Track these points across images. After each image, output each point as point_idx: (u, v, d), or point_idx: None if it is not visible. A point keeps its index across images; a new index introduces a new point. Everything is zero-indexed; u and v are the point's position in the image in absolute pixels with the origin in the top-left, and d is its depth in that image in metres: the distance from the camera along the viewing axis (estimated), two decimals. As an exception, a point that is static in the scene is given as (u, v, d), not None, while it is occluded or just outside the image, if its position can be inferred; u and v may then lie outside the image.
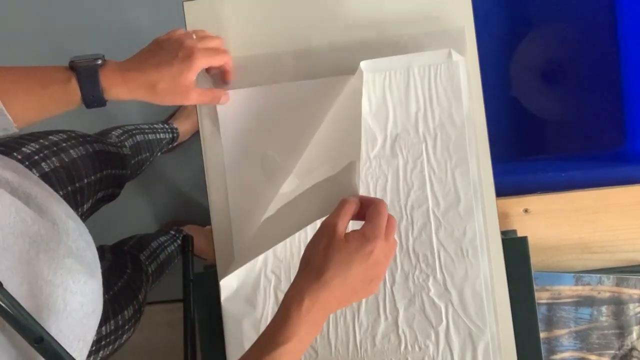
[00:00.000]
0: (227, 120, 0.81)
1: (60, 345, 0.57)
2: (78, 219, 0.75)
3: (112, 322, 0.86)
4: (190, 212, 1.64)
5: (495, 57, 1.33)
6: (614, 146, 1.19)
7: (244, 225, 0.81)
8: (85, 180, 0.91)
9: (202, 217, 1.61)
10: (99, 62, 0.71)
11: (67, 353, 0.58)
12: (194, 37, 0.75)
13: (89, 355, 0.74)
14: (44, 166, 0.82)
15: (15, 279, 0.58)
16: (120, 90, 0.72)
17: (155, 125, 1.44)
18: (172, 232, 1.47)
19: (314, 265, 0.62)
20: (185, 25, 0.82)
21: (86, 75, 0.70)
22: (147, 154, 1.31)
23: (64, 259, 0.65)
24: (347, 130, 0.74)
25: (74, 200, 0.87)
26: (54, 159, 0.85)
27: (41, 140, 0.87)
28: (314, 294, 0.60)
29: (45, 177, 0.81)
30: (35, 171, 0.80)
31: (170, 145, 1.54)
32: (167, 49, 0.73)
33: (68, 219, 0.71)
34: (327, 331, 0.80)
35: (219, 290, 0.81)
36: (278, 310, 0.62)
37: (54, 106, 0.71)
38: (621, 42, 1.21)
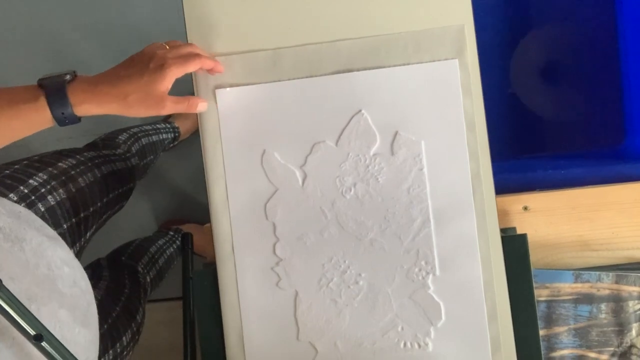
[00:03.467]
0: (228, 119, 0.81)
1: (61, 343, 0.57)
2: (75, 262, 0.74)
3: (110, 351, 0.85)
4: (190, 210, 1.64)
5: (495, 55, 1.33)
6: (614, 144, 1.19)
7: (244, 226, 0.81)
8: (91, 209, 0.91)
9: (202, 216, 1.61)
10: (67, 77, 0.69)
11: (67, 350, 0.58)
12: (167, 47, 0.74)
13: None
14: (50, 199, 0.82)
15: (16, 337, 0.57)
16: (90, 105, 0.69)
17: (157, 126, 1.45)
18: (171, 233, 1.47)
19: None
20: (185, 23, 0.82)
21: (54, 92, 0.67)
22: (152, 156, 1.32)
23: (59, 309, 0.65)
24: None
25: (77, 231, 0.87)
26: (60, 190, 0.85)
27: (49, 169, 0.86)
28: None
29: (50, 210, 0.81)
30: (41, 205, 0.80)
31: (172, 144, 1.55)
32: (139, 61, 0.71)
33: (63, 265, 0.70)
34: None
35: (218, 288, 0.81)
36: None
37: (25, 127, 0.69)
38: (621, 41, 1.21)
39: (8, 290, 0.54)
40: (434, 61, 0.79)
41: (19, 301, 0.55)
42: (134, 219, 1.63)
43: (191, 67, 0.73)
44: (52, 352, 0.56)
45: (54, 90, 0.68)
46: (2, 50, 1.66)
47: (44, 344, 0.56)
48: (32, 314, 0.56)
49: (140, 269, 1.14)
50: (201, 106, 0.77)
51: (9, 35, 1.66)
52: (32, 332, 0.55)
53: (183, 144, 1.61)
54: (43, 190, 0.82)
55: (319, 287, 0.80)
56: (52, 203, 0.82)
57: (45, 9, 1.65)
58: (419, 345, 0.80)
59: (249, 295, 0.81)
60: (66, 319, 0.65)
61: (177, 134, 1.52)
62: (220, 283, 0.81)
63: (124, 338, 0.89)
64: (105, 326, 0.87)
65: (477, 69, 0.80)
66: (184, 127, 1.55)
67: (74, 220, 0.86)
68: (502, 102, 1.33)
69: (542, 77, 1.33)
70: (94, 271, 1.04)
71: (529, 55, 1.33)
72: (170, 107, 0.72)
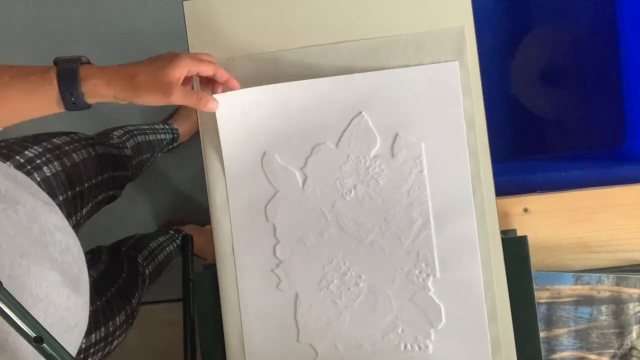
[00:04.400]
0: (227, 120, 0.81)
1: (61, 345, 0.57)
2: (69, 230, 0.74)
3: (102, 329, 0.86)
4: (190, 211, 1.64)
5: (495, 57, 1.33)
6: (614, 145, 1.19)
7: (244, 227, 0.81)
8: (86, 184, 0.91)
9: (202, 217, 1.61)
10: (83, 59, 0.69)
11: (68, 353, 0.58)
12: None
13: None
14: (46, 170, 0.83)
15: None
16: (98, 81, 0.68)
17: (155, 126, 1.45)
18: (172, 232, 1.47)
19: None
20: (185, 24, 0.82)
21: (64, 65, 0.67)
22: (148, 154, 1.31)
23: (49, 271, 0.65)
24: None
25: (73, 205, 0.87)
26: (56, 163, 0.85)
27: (44, 144, 0.87)
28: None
29: (46, 181, 0.81)
30: (37, 175, 0.81)
31: (171, 146, 1.55)
32: (155, 55, 0.72)
33: (56, 230, 0.70)
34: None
35: (218, 290, 0.81)
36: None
37: (30, 101, 0.68)
38: (621, 41, 1.21)
39: (7, 291, 0.54)
40: (434, 63, 0.79)
41: (19, 303, 0.54)
42: (134, 220, 1.63)
43: (204, 68, 0.72)
44: (52, 354, 0.56)
45: (64, 63, 0.68)
46: (2, 51, 1.66)
47: (44, 345, 0.56)
48: (32, 316, 0.55)
49: (140, 260, 1.14)
50: (211, 105, 0.73)
51: (9, 36, 1.66)
52: (33, 335, 0.55)
53: (183, 145, 1.61)
54: (39, 161, 0.82)
55: (319, 288, 0.80)
56: (48, 174, 0.82)
57: (46, 10, 1.65)
58: (419, 347, 0.80)
59: (249, 297, 0.81)
60: (56, 280, 0.65)
61: (175, 135, 1.52)
62: (221, 284, 0.81)
63: (117, 318, 0.90)
64: (99, 303, 0.87)
65: (478, 70, 0.80)
66: (183, 128, 1.55)
67: (69, 193, 0.86)
68: (503, 104, 1.33)
69: (542, 79, 1.33)
70: (93, 255, 1.04)
71: (529, 56, 1.33)
72: (179, 96, 0.69)
